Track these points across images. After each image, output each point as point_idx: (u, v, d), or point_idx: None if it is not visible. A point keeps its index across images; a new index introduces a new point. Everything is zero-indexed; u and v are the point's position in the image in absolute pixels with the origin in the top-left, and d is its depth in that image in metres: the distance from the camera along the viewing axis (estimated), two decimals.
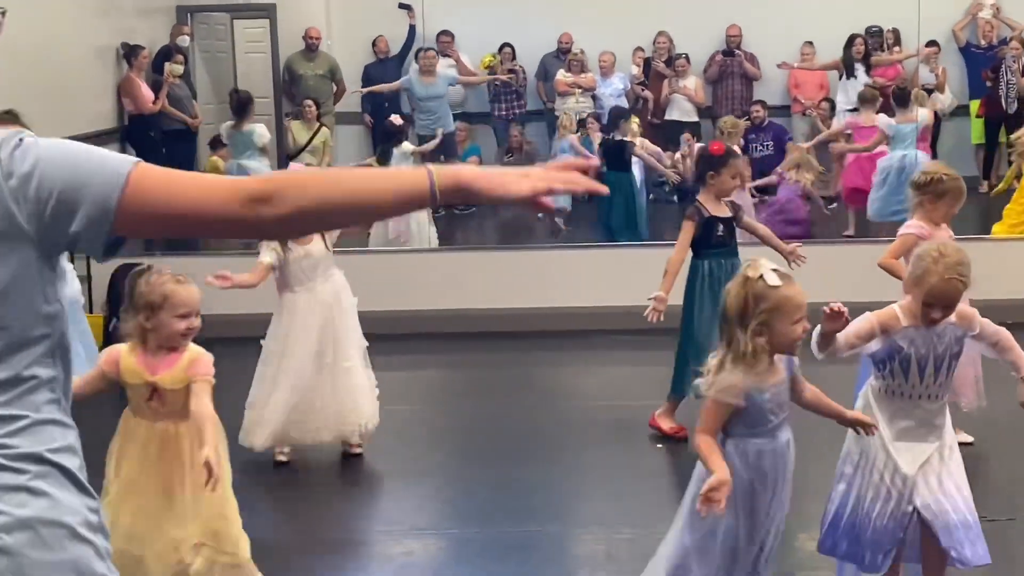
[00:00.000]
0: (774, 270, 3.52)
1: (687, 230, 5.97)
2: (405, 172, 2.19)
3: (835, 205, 10.71)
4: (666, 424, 6.13)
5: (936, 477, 4.00)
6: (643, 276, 6.87)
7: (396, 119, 9.80)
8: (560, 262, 8.84)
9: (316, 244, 5.66)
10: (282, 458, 5.80)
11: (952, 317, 3.94)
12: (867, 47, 11.49)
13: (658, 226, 9.98)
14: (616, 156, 9.73)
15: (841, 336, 3.87)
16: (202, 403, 3.94)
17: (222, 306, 6.28)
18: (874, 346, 3.93)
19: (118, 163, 1.86)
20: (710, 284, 5.99)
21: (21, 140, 1.85)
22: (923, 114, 9.83)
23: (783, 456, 3.69)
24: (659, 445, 6.14)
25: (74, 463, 1.94)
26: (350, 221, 2.33)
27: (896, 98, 10.02)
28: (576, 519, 5.39)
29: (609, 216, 9.69)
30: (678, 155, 10.97)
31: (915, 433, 4.00)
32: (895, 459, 3.97)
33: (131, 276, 3.90)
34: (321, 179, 2.06)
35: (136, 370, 3.93)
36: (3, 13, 1.69)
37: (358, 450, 5.84)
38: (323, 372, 5.67)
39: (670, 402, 6.18)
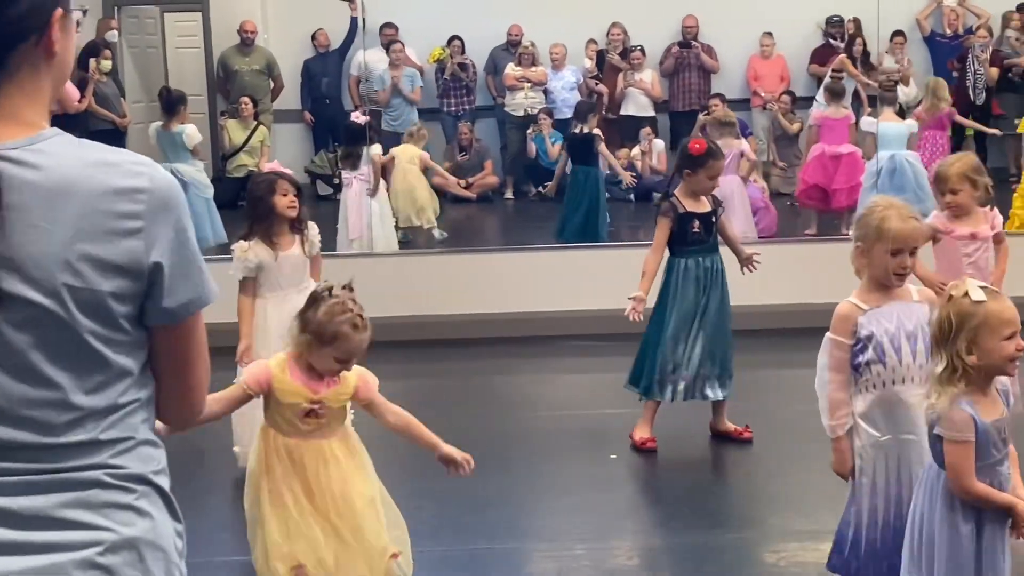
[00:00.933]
0: (981, 287, 3.45)
1: (662, 227, 5.95)
2: None
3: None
4: (637, 435, 6.07)
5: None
6: (605, 278, 7.29)
7: (359, 116, 9.81)
8: (517, 265, 8.77)
9: (295, 249, 5.62)
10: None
11: (917, 295, 4.03)
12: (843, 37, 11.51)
13: (614, 226, 10.03)
14: (584, 150, 9.79)
15: (831, 367, 3.98)
16: (398, 411, 4.13)
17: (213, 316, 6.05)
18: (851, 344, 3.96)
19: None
20: (687, 283, 6.01)
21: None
22: (910, 123, 9.89)
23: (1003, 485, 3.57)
24: (613, 456, 6.11)
25: (167, 484, 2.06)
26: None
27: (881, 98, 10.02)
28: (528, 535, 5.38)
29: (574, 213, 9.68)
30: (636, 151, 11.07)
31: (905, 421, 3.97)
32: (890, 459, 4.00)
33: (314, 292, 4.00)
34: None
35: (296, 389, 3.96)
36: (84, 12, 1.76)
37: None
38: None
39: (646, 407, 6.13)
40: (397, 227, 9.84)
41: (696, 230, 5.99)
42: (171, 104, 9.90)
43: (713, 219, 6.09)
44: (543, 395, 7.41)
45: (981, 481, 3.44)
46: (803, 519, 5.41)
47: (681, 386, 6.10)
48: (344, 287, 4.00)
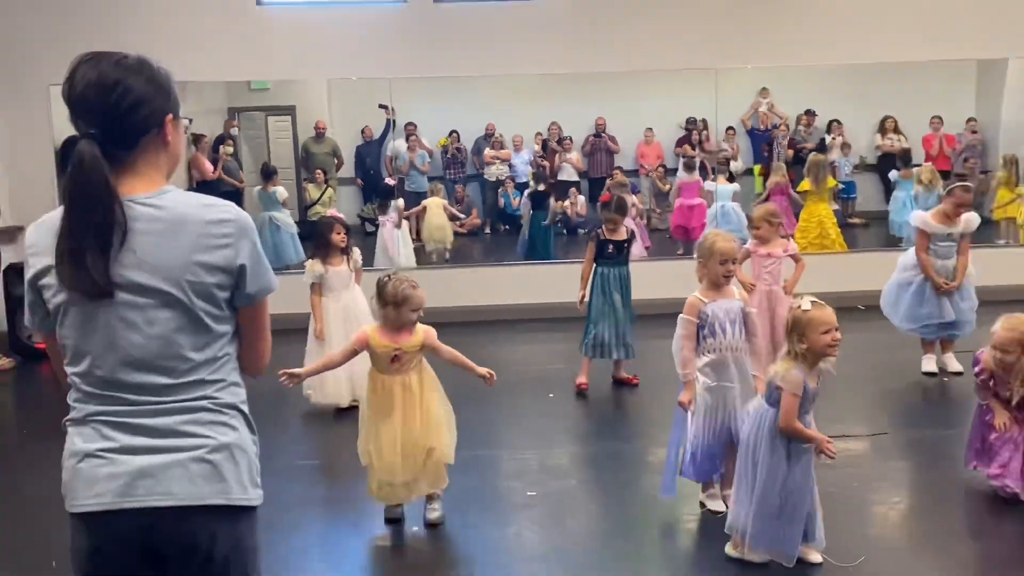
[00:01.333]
0: (812, 301, 3.56)
1: (589, 248, 6.19)
2: None
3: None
4: (579, 378, 6.24)
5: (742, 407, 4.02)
6: (549, 282, 7.54)
7: (390, 181, 10.12)
8: (493, 274, 9.09)
9: (343, 266, 5.77)
10: (344, 405, 5.79)
11: (737, 295, 4.15)
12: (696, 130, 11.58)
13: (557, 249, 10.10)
14: (540, 201, 10.09)
15: (684, 336, 4.09)
16: (450, 350, 4.18)
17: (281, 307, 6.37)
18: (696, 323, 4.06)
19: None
20: (604, 283, 6.15)
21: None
22: (736, 186, 10.16)
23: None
24: (551, 395, 6.17)
25: (247, 410, 2.05)
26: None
27: (716, 169, 10.30)
28: (499, 445, 5.37)
29: (535, 240, 9.93)
30: (567, 203, 11.22)
31: (727, 375, 4.08)
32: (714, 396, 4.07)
33: (380, 280, 4.06)
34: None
35: (385, 343, 4.02)
36: (190, 121, 1.77)
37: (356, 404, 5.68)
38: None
39: (583, 362, 6.27)
40: (424, 249, 10.02)
41: (610, 251, 6.11)
42: (267, 174, 10.21)
43: (625, 245, 6.17)
44: (511, 357, 7.31)
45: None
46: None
47: (600, 348, 6.18)
48: (390, 275, 4.09)
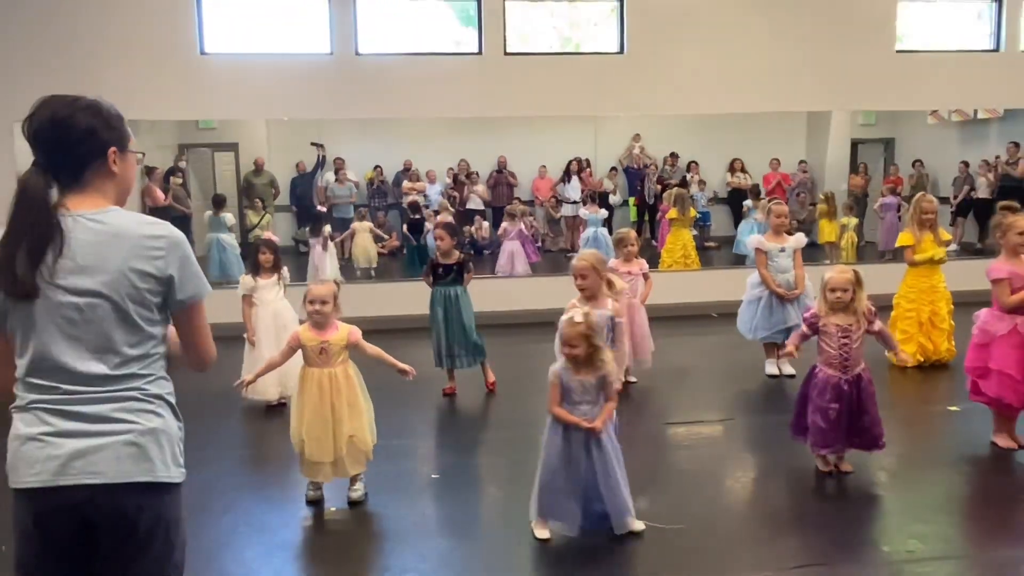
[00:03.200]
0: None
1: (425, 271, 5.93)
2: None
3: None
4: (451, 386, 5.90)
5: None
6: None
7: (322, 209, 10.04)
8: (413, 289, 8.82)
9: (272, 280, 5.66)
10: (273, 402, 5.66)
11: (611, 307, 4.01)
12: (580, 166, 11.66)
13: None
14: (414, 228, 10.19)
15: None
16: (374, 348, 4.06)
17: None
18: None
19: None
20: (436, 302, 5.82)
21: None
22: (604, 212, 10.22)
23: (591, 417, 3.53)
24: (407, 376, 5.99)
25: (174, 400, 2.03)
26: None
27: (591, 198, 10.37)
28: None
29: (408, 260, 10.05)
30: (473, 228, 11.19)
31: None
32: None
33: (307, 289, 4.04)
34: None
35: (312, 337, 3.97)
36: (143, 155, 1.66)
37: (284, 401, 5.60)
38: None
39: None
40: (352, 266, 9.77)
41: (440, 273, 5.81)
42: (218, 202, 9.94)
43: (455, 268, 5.79)
44: (408, 358, 7.31)
45: (565, 409, 3.51)
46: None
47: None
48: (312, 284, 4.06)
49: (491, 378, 6.00)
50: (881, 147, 11.85)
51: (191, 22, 8.17)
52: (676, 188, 10.26)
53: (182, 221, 10.65)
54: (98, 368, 1.89)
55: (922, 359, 6.28)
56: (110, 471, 1.88)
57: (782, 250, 6.15)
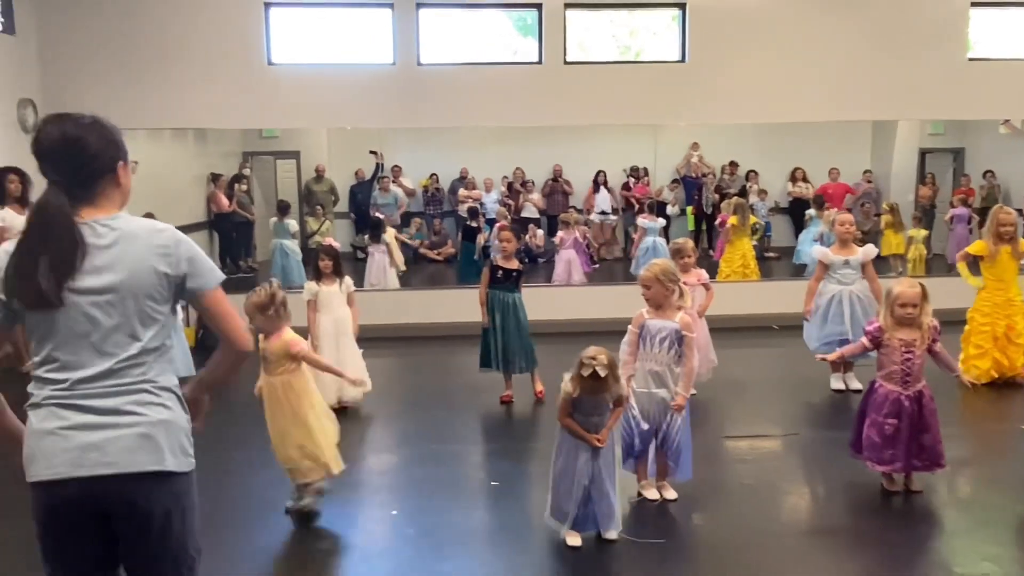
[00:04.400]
0: (591, 358, 3.53)
1: (484, 273, 5.84)
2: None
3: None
4: (509, 393, 5.89)
5: (667, 413, 4.01)
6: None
7: (380, 215, 10.12)
8: (446, 297, 8.83)
9: (335, 286, 5.72)
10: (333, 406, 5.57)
11: (677, 318, 3.98)
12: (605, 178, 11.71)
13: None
14: (470, 234, 10.21)
15: (627, 342, 4.04)
16: (317, 359, 4.12)
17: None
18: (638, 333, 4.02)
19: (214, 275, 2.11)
20: (494, 306, 5.80)
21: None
22: (662, 221, 10.16)
23: (601, 426, 3.65)
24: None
25: (182, 392, 2.12)
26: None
27: (649, 208, 10.31)
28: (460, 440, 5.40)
29: (464, 267, 10.00)
30: (528, 236, 11.07)
31: (654, 384, 4.00)
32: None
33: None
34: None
35: (260, 344, 3.88)
36: (136, 163, 1.77)
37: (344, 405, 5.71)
38: (335, 360, 5.54)
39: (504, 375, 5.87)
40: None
41: (499, 276, 5.76)
42: (283, 209, 10.16)
43: (514, 273, 5.78)
44: (467, 365, 7.20)
45: (576, 421, 3.62)
46: None
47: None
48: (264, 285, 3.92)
49: (539, 387, 5.96)
50: (950, 157, 11.55)
51: (260, 34, 8.40)
52: (735, 197, 10.16)
53: (245, 227, 11.02)
54: (109, 363, 1.97)
55: (996, 375, 6.10)
56: (122, 461, 1.95)
57: (847, 262, 5.96)
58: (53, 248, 1.94)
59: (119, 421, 1.96)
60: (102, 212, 2.02)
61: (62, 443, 1.94)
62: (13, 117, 7.64)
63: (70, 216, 1.96)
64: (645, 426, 4.05)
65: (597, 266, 10.74)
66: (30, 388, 2.02)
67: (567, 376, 3.64)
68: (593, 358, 3.54)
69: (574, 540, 3.68)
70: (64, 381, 1.97)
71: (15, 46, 7.66)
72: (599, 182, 11.82)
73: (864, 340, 4.23)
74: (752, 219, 9.76)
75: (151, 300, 2.01)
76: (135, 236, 2.01)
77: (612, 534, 3.70)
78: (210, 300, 2.09)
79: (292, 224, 10.10)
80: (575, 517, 3.67)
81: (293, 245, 10.00)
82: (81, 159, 2.00)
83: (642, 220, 10.21)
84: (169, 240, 2.04)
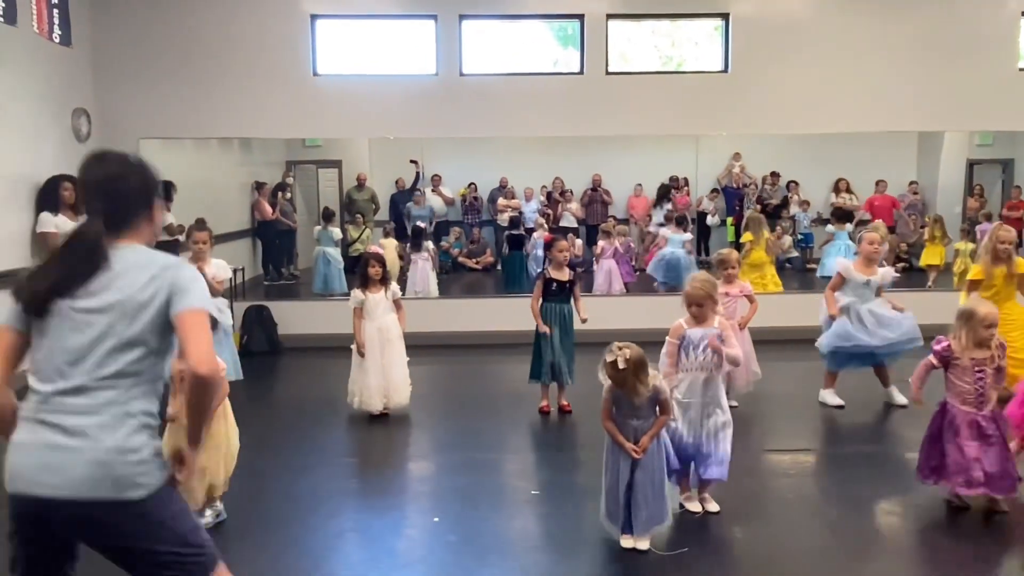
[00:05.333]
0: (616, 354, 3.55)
1: (537, 285, 5.81)
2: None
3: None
4: (546, 403, 5.91)
5: (711, 423, 3.99)
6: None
7: (421, 224, 10.32)
8: (503, 303, 8.94)
9: (381, 294, 5.77)
10: (376, 412, 5.76)
11: (716, 323, 4.00)
12: (668, 189, 11.63)
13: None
14: (517, 243, 10.26)
15: (667, 353, 4.03)
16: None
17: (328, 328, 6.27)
18: (678, 344, 4.01)
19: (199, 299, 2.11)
20: (549, 318, 5.75)
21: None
22: (688, 236, 10.07)
23: (641, 431, 3.67)
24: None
25: (155, 421, 2.15)
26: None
27: (677, 221, 10.23)
28: (499, 449, 5.41)
29: (513, 276, 10.11)
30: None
31: (695, 394, 3.99)
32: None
33: None
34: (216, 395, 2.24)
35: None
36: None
37: (387, 412, 5.84)
38: (380, 367, 5.75)
39: (542, 386, 5.86)
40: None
41: (554, 289, 5.73)
42: (327, 216, 10.38)
43: (567, 285, 5.75)
44: (501, 371, 7.21)
45: (616, 425, 3.67)
46: None
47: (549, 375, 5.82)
48: None
49: (565, 401, 5.97)
50: (999, 168, 11.33)
51: (306, 45, 8.56)
52: (750, 211, 10.12)
53: (288, 234, 11.21)
54: (82, 380, 2.02)
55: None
56: (71, 487, 1.98)
57: (867, 282, 5.83)
58: (76, 268, 2.06)
59: (79, 444, 1.99)
60: (133, 242, 2.16)
61: (25, 459, 2.02)
62: (68, 126, 7.87)
63: (103, 243, 2.09)
64: (690, 439, 4.03)
65: (639, 274, 10.73)
66: (25, 399, 2.11)
67: (607, 382, 3.69)
68: (620, 348, 3.58)
69: (627, 542, 3.71)
70: (43, 394, 2.04)
71: (71, 58, 7.90)
72: (661, 194, 11.75)
73: (932, 359, 4.14)
74: (766, 235, 9.50)
75: (136, 324, 2.05)
76: (140, 266, 2.10)
77: (643, 543, 3.71)
78: (182, 318, 2.06)
79: (336, 232, 10.27)
80: (624, 520, 3.70)
81: (336, 253, 10.18)
82: (121, 196, 2.13)
83: (665, 231, 10.19)
84: (162, 269, 2.10)
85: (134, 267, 2.09)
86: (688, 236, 10.16)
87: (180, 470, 2.16)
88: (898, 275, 6.07)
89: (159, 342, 2.11)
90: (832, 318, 5.87)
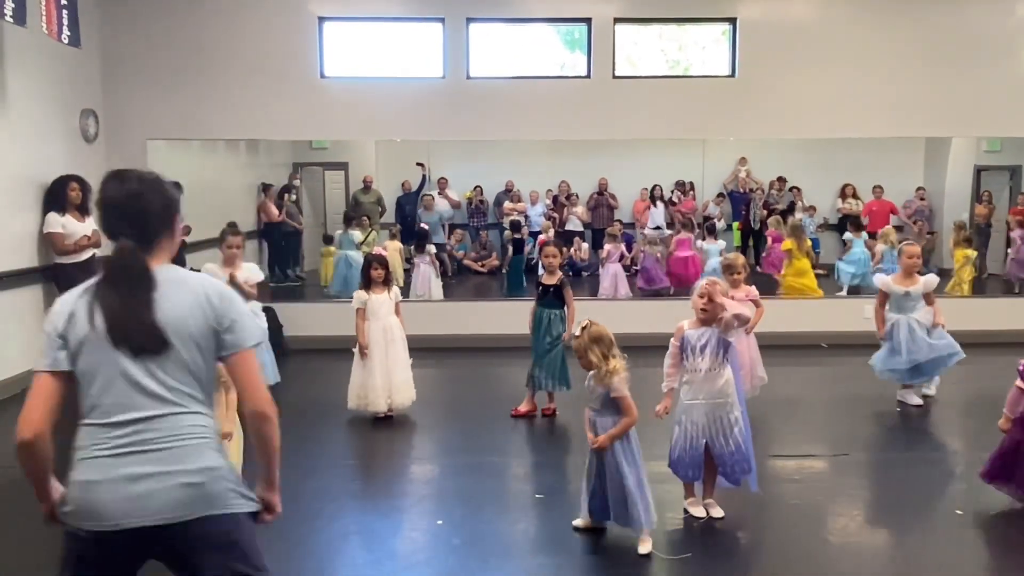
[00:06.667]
0: (584, 327, 3.79)
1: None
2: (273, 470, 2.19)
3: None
4: (522, 407, 5.93)
5: (719, 422, 3.99)
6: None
7: (425, 227, 10.31)
8: (507, 306, 8.92)
9: (384, 295, 5.80)
10: (382, 413, 5.78)
11: (720, 328, 3.97)
12: (663, 192, 11.62)
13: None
14: (518, 247, 10.29)
15: (669, 355, 4.07)
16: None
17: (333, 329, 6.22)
18: (679, 346, 4.03)
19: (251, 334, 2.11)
20: (538, 322, 5.88)
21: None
22: (720, 242, 10.07)
23: (599, 424, 3.78)
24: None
25: (255, 493, 2.19)
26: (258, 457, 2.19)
27: (708, 230, 10.24)
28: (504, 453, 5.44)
29: (514, 279, 10.09)
30: (574, 249, 11.19)
31: (697, 395, 4.01)
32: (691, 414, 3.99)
33: None
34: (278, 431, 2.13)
35: None
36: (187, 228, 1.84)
37: (391, 413, 5.85)
38: (384, 368, 5.76)
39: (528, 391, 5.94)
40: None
41: (541, 294, 5.87)
42: (348, 219, 10.39)
43: (554, 288, 5.83)
44: (511, 377, 7.26)
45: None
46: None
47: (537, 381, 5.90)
48: None
49: (552, 404, 6.00)
50: (1007, 175, 11.29)
51: (313, 48, 8.58)
52: (791, 218, 10.08)
53: (294, 236, 11.21)
54: (155, 408, 2.00)
55: None
56: (157, 514, 1.98)
57: (907, 293, 5.94)
58: (131, 290, 2.03)
59: (166, 469, 1.97)
60: (158, 262, 2.11)
61: (104, 494, 1.96)
62: (75, 126, 7.90)
63: (146, 263, 2.07)
64: (702, 442, 4.04)
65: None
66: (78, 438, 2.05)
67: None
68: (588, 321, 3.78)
69: (577, 522, 3.97)
70: (106, 426, 1.99)
71: (80, 59, 7.93)
72: (656, 196, 11.75)
73: (1020, 383, 4.11)
74: (808, 242, 9.57)
75: (193, 349, 2.04)
76: (184, 282, 2.08)
77: (644, 547, 3.71)
78: (237, 360, 2.09)
79: (357, 235, 10.26)
80: (587, 505, 3.89)
81: (357, 256, 10.03)
82: (144, 215, 2.09)
83: (700, 242, 10.19)
84: (208, 295, 2.08)
85: (181, 283, 2.08)
86: (723, 244, 10.08)
87: (265, 516, 2.23)
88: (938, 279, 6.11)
89: (210, 367, 2.10)
90: (882, 339, 5.97)
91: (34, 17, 6.98)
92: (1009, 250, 10.19)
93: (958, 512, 4.20)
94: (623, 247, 9.83)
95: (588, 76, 8.78)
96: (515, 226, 10.72)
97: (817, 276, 10.94)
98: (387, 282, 5.88)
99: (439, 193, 11.76)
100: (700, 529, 4.02)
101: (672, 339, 4.10)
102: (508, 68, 8.91)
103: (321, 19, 8.62)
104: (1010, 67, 8.77)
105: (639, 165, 11.71)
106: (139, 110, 8.36)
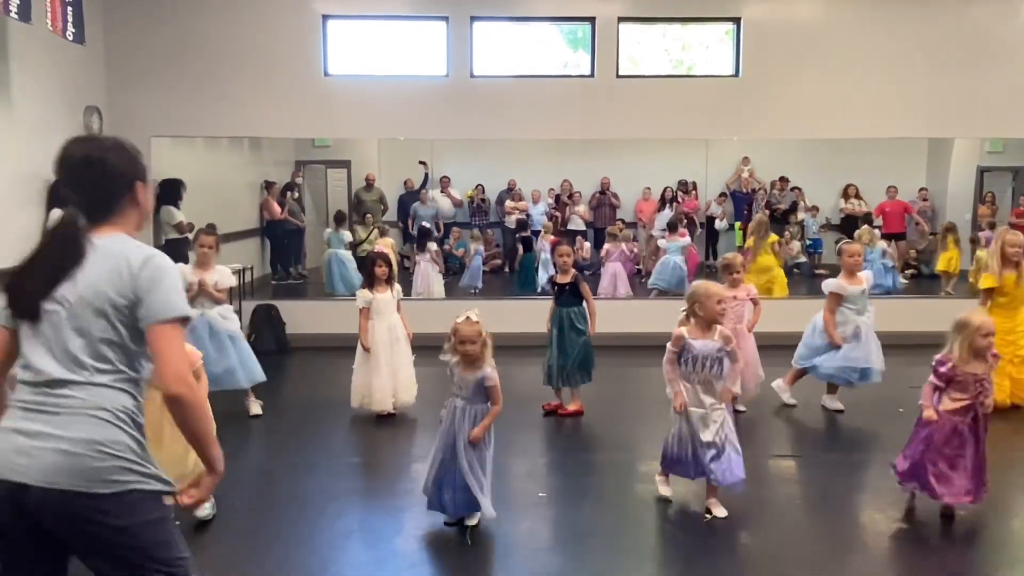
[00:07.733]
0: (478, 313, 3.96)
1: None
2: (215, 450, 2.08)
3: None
4: (550, 404, 5.96)
5: (712, 425, 4.03)
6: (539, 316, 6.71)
7: (427, 224, 10.40)
8: (496, 308, 8.92)
9: (387, 294, 5.78)
10: (386, 412, 5.80)
11: (717, 337, 4.03)
12: (675, 194, 11.64)
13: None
14: (527, 245, 10.36)
15: (667, 360, 4.10)
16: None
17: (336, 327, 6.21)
18: (677, 352, 4.06)
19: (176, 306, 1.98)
20: (559, 321, 5.89)
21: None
22: (687, 239, 10.01)
23: (466, 414, 3.94)
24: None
25: (131, 417, 2.02)
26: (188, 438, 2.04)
27: (670, 226, 10.19)
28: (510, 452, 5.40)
29: (525, 278, 10.04)
30: (576, 248, 11.17)
31: (697, 401, 4.05)
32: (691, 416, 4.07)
33: None
34: (203, 412, 2.00)
35: None
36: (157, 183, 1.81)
37: (395, 411, 5.85)
38: (390, 367, 5.77)
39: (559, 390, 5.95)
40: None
41: (555, 291, 5.92)
42: (339, 219, 10.44)
43: (569, 286, 5.85)
44: (516, 376, 7.14)
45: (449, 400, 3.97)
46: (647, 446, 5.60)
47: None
48: None
49: (573, 406, 5.98)
50: (1010, 175, 11.31)
51: (317, 46, 8.59)
52: (758, 215, 10.06)
53: (296, 234, 11.25)
54: (60, 373, 1.94)
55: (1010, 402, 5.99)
56: (42, 474, 1.88)
57: (863, 291, 5.87)
58: (59, 263, 1.97)
59: (53, 432, 1.90)
60: (118, 229, 2.04)
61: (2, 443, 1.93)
62: (80, 123, 7.91)
63: (83, 238, 1.99)
64: (696, 444, 4.07)
65: (643, 280, 10.72)
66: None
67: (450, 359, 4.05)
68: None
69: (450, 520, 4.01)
70: (27, 384, 1.98)
71: (84, 56, 7.94)
72: (666, 198, 11.72)
73: (934, 379, 4.06)
74: (772, 238, 9.43)
75: (104, 321, 1.96)
76: (108, 255, 1.98)
77: (472, 520, 3.95)
78: (152, 332, 1.96)
79: (347, 235, 10.32)
80: (429, 499, 4.01)
81: (347, 255, 10.22)
82: (100, 179, 2.02)
83: (663, 241, 10.15)
84: (139, 265, 1.97)
85: (105, 257, 1.98)
86: (686, 241, 10.05)
87: (188, 492, 2.10)
88: (906, 281, 6.10)
89: (133, 341, 2.00)
90: (836, 347, 5.85)
91: (39, 14, 6.98)
92: None
93: (960, 512, 4.20)
94: (623, 246, 9.79)
95: (592, 75, 8.80)
96: (522, 225, 10.71)
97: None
98: (390, 280, 5.86)
99: (441, 192, 11.81)
100: (703, 528, 4.01)
101: (670, 344, 4.10)
102: (511, 67, 8.92)
103: (325, 17, 8.63)
104: (1013, 68, 8.78)
105: (642, 165, 11.80)
106: (143, 107, 8.37)
